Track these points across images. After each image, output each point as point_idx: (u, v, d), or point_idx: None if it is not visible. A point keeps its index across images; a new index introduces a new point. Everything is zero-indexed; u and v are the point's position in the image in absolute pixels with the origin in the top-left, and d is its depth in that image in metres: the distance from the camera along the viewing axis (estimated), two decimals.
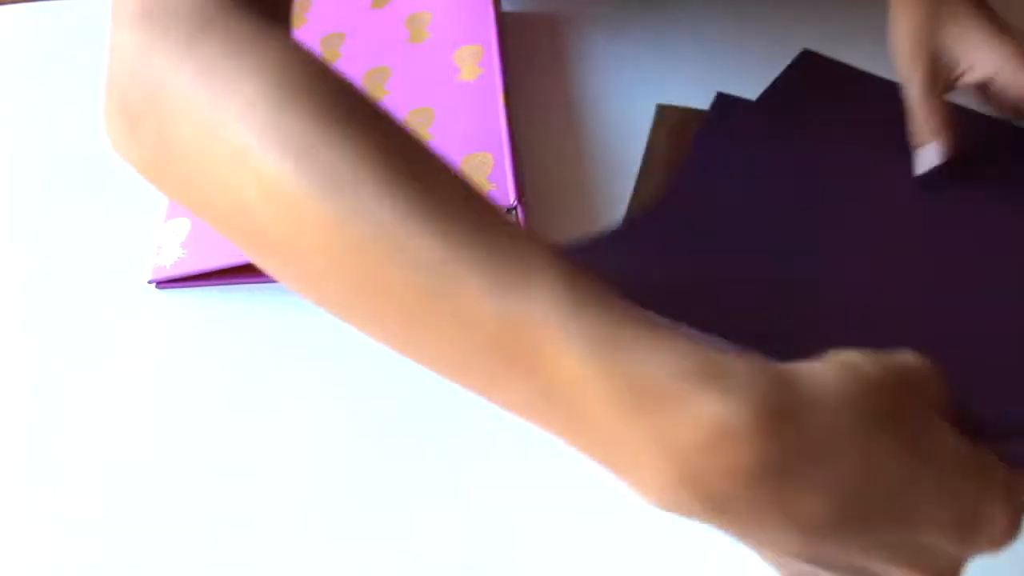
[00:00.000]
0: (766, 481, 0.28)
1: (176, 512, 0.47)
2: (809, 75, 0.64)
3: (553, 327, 0.29)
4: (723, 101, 0.62)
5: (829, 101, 0.63)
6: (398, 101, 0.61)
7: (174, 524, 0.47)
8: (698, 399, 0.28)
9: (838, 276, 0.53)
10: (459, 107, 0.60)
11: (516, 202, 0.53)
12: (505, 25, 0.70)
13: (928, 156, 0.55)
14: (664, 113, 0.62)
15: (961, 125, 0.56)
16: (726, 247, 0.54)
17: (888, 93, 0.62)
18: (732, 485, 0.28)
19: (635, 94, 0.65)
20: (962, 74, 0.56)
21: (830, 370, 0.30)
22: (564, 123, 0.64)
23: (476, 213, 0.31)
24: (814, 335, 0.50)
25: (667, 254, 0.54)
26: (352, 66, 0.65)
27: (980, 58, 0.55)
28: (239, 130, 0.31)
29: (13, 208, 0.62)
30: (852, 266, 0.53)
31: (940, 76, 0.55)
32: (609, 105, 0.64)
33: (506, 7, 0.71)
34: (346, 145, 0.31)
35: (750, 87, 0.65)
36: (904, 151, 0.59)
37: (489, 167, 0.55)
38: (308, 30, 0.69)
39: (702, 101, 0.64)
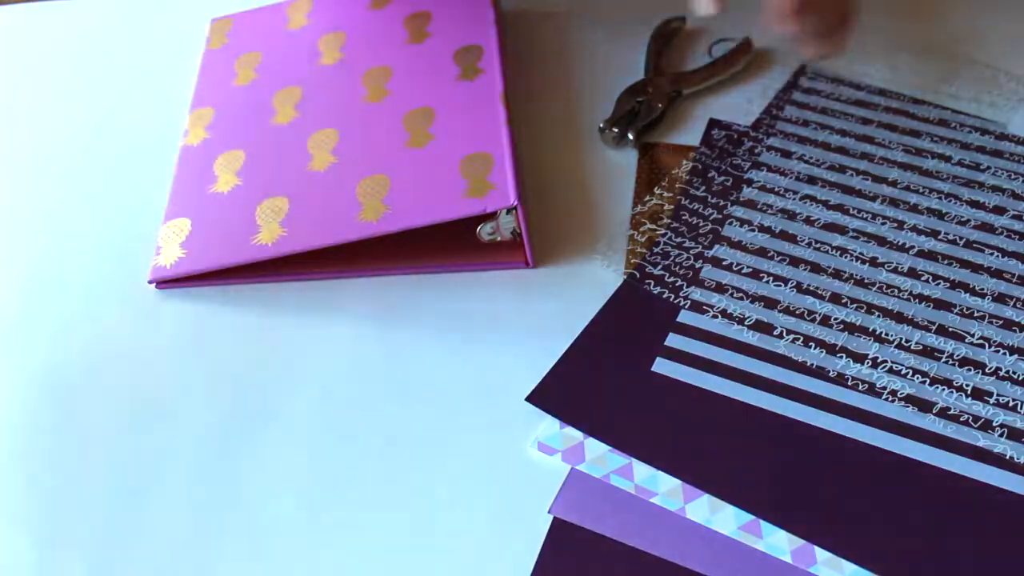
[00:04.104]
0: None
1: (175, 511, 0.47)
2: (807, 91, 0.65)
3: None
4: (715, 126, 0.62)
5: (828, 118, 0.63)
6: (398, 101, 0.61)
7: (173, 523, 0.47)
8: None
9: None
10: (459, 107, 0.60)
11: (516, 202, 0.53)
12: (505, 25, 0.69)
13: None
14: (648, 150, 0.62)
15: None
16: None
17: (890, 105, 0.63)
18: None
19: None
20: None
21: None
22: (564, 123, 0.64)
23: None
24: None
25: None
26: (352, 66, 0.65)
27: None
28: None
29: (13, 208, 0.62)
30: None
31: None
32: (609, 104, 0.64)
33: (506, 7, 0.71)
34: None
35: (748, 87, 0.65)
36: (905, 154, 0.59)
37: (489, 167, 0.55)
38: (308, 30, 0.69)
39: (701, 99, 0.64)
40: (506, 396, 0.50)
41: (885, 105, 0.63)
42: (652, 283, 0.54)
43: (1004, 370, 0.50)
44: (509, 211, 0.54)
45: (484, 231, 0.55)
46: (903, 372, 0.50)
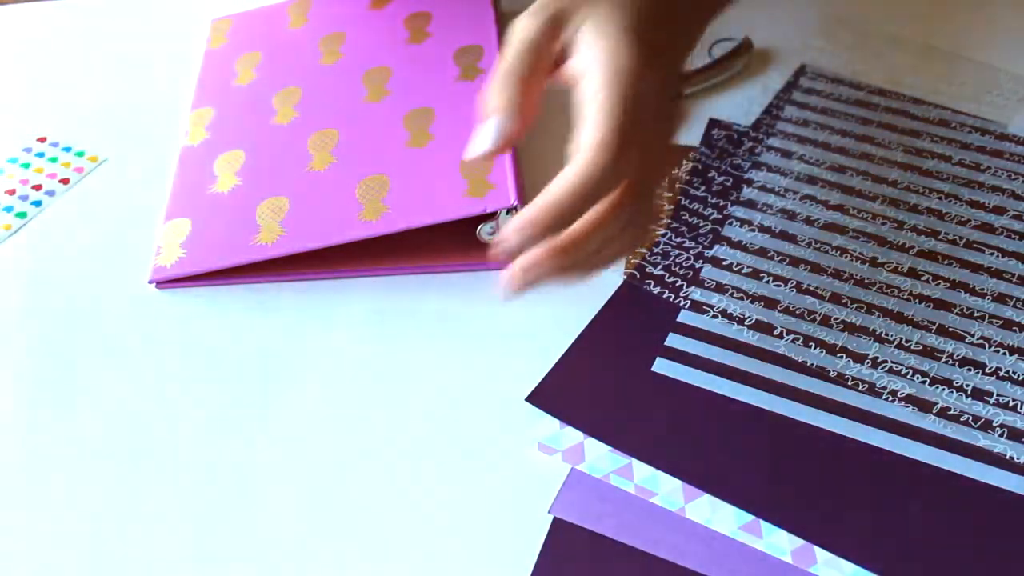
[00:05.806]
0: None
1: (176, 511, 0.47)
2: (807, 92, 0.65)
3: None
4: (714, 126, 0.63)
5: (828, 118, 0.63)
6: (398, 101, 0.61)
7: (173, 523, 0.47)
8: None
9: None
10: (459, 107, 0.60)
11: (516, 202, 0.53)
12: (505, 25, 0.69)
13: (484, 133, 0.46)
14: None
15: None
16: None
17: (890, 105, 0.63)
18: None
19: None
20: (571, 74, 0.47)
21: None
22: (564, 123, 0.64)
23: None
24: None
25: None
26: (352, 66, 0.65)
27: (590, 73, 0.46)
28: None
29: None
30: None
31: (544, 56, 0.47)
32: None
33: (506, 7, 0.71)
34: None
35: (748, 87, 0.65)
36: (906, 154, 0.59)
37: (489, 167, 0.55)
38: (308, 30, 0.69)
39: (701, 99, 0.64)
40: (506, 396, 0.50)
41: (885, 105, 0.63)
42: (652, 283, 0.54)
43: (1004, 370, 0.50)
44: (509, 211, 0.54)
45: (484, 231, 0.55)
46: (903, 372, 0.50)
